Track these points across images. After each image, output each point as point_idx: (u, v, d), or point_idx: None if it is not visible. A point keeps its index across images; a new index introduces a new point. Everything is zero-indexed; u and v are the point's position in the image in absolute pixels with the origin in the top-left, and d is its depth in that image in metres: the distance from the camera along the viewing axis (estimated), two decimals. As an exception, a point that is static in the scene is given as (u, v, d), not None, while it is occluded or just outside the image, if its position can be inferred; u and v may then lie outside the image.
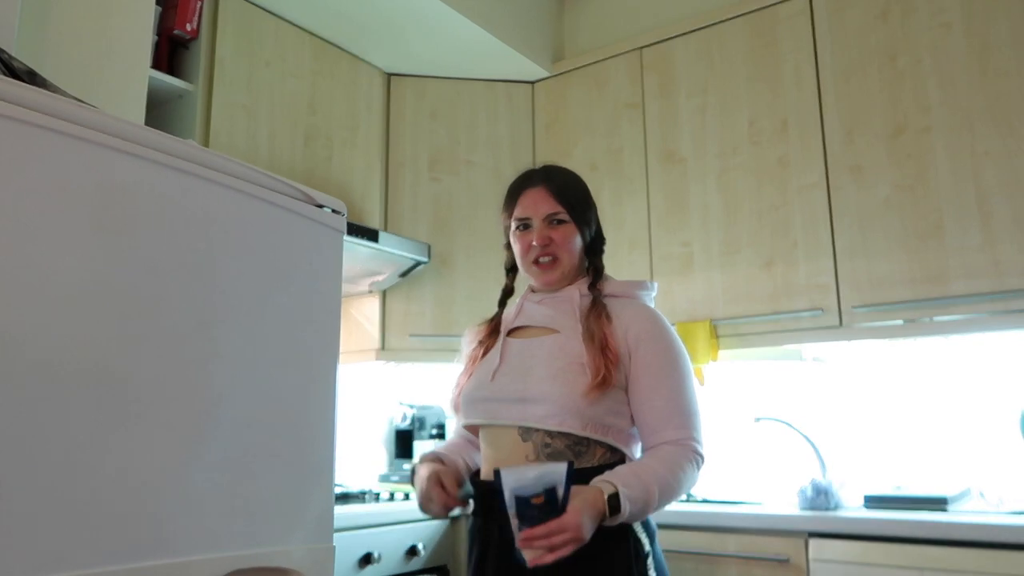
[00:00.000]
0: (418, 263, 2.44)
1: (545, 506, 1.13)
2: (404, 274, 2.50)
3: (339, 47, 2.51)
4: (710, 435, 1.41)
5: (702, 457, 1.34)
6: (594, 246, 1.50)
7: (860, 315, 2.02)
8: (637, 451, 1.38)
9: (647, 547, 1.31)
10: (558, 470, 1.16)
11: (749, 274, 2.22)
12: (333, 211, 1.09)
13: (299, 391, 1.02)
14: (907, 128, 2.02)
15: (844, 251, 2.07)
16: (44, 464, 0.77)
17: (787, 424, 2.27)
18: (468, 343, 1.57)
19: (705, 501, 2.12)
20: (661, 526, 1.89)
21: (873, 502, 1.84)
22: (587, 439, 1.32)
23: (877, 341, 2.05)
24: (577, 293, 1.44)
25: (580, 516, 1.14)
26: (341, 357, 2.67)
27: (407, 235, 2.51)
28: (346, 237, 2.13)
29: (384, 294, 2.58)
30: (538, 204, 1.45)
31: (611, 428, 1.34)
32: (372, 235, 2.26)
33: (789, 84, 2.23)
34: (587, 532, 1.15)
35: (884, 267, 2.00)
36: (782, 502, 2.02)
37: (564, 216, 1.44)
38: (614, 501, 1.19)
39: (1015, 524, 1.51)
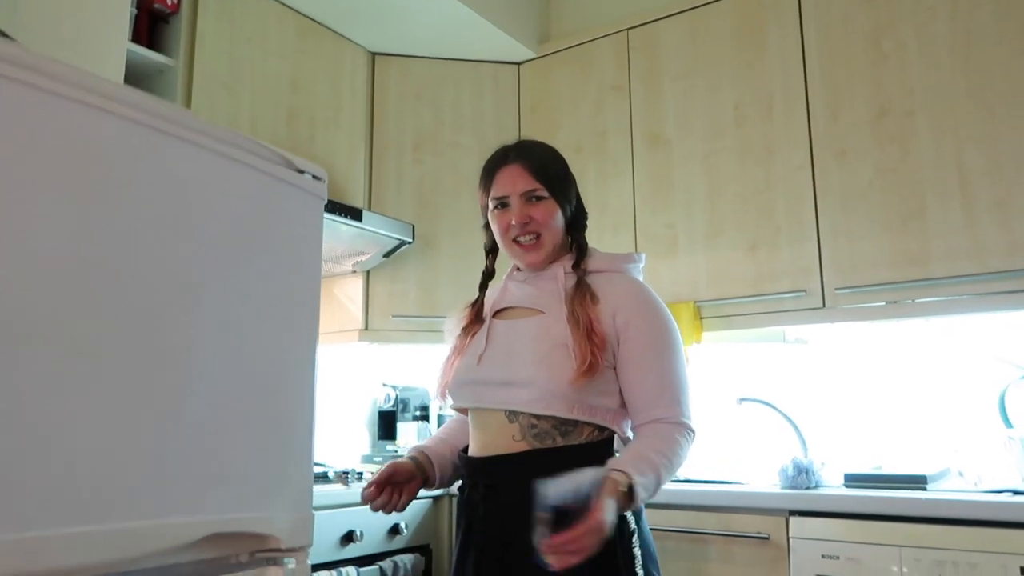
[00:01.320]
0: (402, 243, 2.43)
1: (575, 512, 1.11)
2: (388, 254, 2.48)
3: (323, 25, 2.48)
4: (696, 414, 1.39)
5: (693, 432, 1.34)
6: (576, 222, 1.47)
7: (843, 297, 2.03)
8: (626, 428, 1.37)
9: (632, 525, 1.30)
10: (593, 479, 1.15)
11: (733, 256, 2.22)
12: (314, 177, 1.07)
13: (278, 358, 1.01)
14: (891, 111, 2.03)
15: (827, 233, 2.08)
16: (17, 425, 0.75)
17: (769, 405, 2.28)
18: (451, 331, 1.54)
19: (688, 481, 2.13)
20: (647, 506, 1.90)
21: (853, 481, 1.85)
22: (575, 420, 1.31)
23: (859, 323, 2.06)
24: (561, 271, 1.42)
25: (603, 516, 1.11)
26: (323, 338, 2.65)
27: (391, 215, 2.50)
28: (330, 216, 2.13)
29: (368, 274, 2.56)
30: (515, 181, 1.41)
31: (598, 408, 1.33)
32: (356, 214, 2.24)
33: (774, 67, 2.23)
34: (610, 529, 1.13)
35: (867, 249, 2.01)
36: (764, 481, 2.04)
37: (543, 192, 1.41)
38: (630, 492, 1.18)
39: (992, 501, 1.53)
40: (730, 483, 2.05)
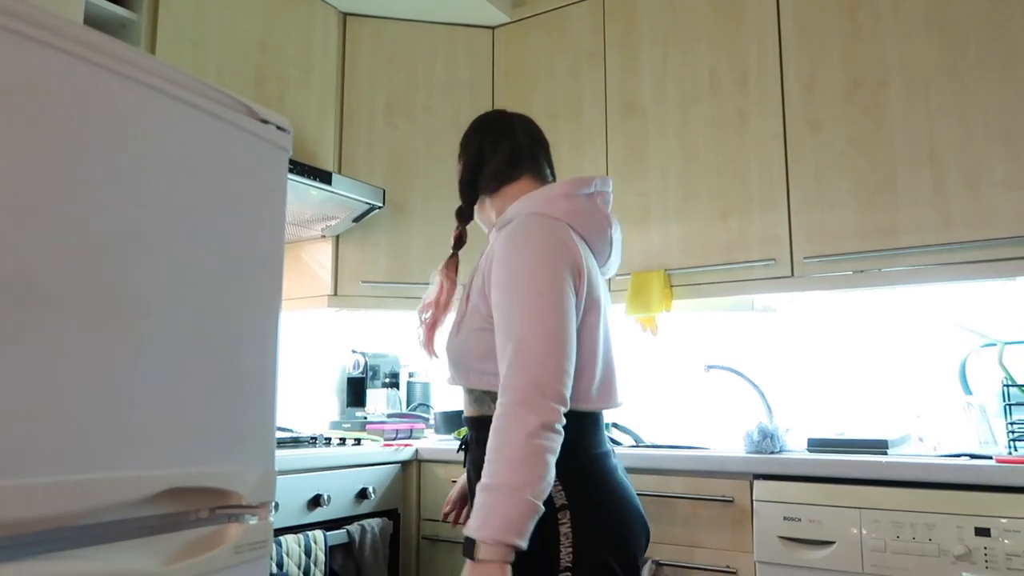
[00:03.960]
0: (372, 208, 2.40)
1: None
2: (358, 219, 2.45)
3: (293, -18, 2.42)
4: (621, 376, 1.31)
5: (539, 392, 1.13)
6: (479, 174, 1.43)
7: (811, 266, 2.05)
8: None
9: (560, 500, 1.20)
10: None
11: (705, 225, 2.23)
12: (278, 128, 1.04)
13: (240, 313, 0.99)
14: (865, 82, 2.04)
15: (799, 203, 2.09)
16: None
17: (736, 372, 2.31)
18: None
19: (655, 446, 2.15)
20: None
21: (816, 446, 1.88)
22: (482, 390, 1.29)
23: (827, 292, 2.09)
24: (493, 232, 1.40)
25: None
26: (292, 303, 2.62)
27: (362, 179, 2.46)
28: (299, 178, 2.09)
29: (337, 239, 2.53)
30: None
31: (493, 375, 1.26)
32: (325, 177, 2.20)
33: (750, 36, 2.22)
34: None
35: (837, 219, 2.03)
36: (730, 447, 2.06)
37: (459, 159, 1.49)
38: (468, 545, 1.06)
39: (949, 464, 1.56)
40: (697, 448, 2.07)
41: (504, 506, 1.03)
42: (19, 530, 0.71)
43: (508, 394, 1.11)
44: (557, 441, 1.11)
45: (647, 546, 1.34)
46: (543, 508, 1.08)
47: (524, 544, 1.04)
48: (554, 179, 1.50)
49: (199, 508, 0.92)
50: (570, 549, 1.16)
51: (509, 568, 1.03)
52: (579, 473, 1.23)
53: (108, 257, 0.85)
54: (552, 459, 1.10)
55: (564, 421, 1.13)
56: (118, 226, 0.86)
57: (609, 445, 1.36)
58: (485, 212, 1.47)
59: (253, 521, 0.98)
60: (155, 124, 0.90)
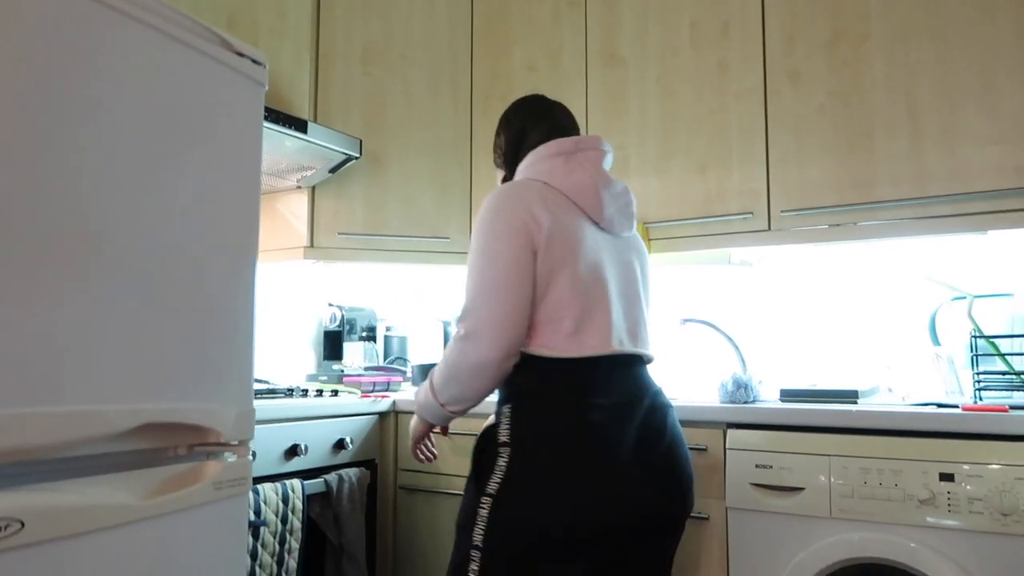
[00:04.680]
0: (349, 158, 2.36)
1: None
2: (334, 170, 2.42)
3: (265, -78, 2.34)
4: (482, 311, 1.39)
5: (464, 333, 1.36)
6: (507, 156, 1.62)
7: (788, 219, 2.06)
8: (533, 347, 1.37)
9: (504, 437, 1.33)
10: None
11: (684, 178, 2.23)
12: (253, 61, 1.01)
13: (216, 247, 0.97)
14: (846, 35, 2.03)
15: (777, 157, 2.10)
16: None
17: (711, 326, 2.33)
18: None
19: (630, 399, 2.18)
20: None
21: (788, 396, 1.92)
22: None
23: (803, 245, 2.11)
24: None
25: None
26: (267, 255, 2.59)
27: (338, 129, 2.42)
28: (273, 126, 2.05)
29: (313, 190, 2.50)
30: None
31: None
32: (301, 125, 2.16)
33: (732, -15, 2.20)
34: (412, 432, 1.59)
35: (815, 173, 2.04)
36: (704, 398, 2.09)
37: None
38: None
39: (915, 413, 1.60)
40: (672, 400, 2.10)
41: (425, 395, 1.46)
42: (-6, 462, 0.70)
43: (455, 333, 1.38)
44: (490, 374, 1.34)
45: (640, 516, 1.30)
46: (450, 415, 1.46)
47: (430, 420, 1.50)
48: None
49: (177, 445, 0.91)
50: (497, 483, 1.29)
51: (416, 418, 1.56)
52: (531, 418, 1.32)
53: (81, 190, 0.83)
54: (477, 384, 1.37)
55: (498, 359, 1.33)
56: (91, 159, 0.84)
57: (611, 398, 1.34)
58: None
59: (232, 459, 0.98)
60: (127, 51, 0.87)
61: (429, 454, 1.68)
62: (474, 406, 1.45)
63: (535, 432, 1.30)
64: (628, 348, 1.42)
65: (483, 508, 1.29)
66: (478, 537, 1.28)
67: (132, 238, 0.89)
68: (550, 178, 1.44)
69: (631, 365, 1.43)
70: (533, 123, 1.58)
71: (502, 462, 1.31)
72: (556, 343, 1.34)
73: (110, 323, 0.85)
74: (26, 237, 0.78)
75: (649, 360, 1.52)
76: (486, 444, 1.42)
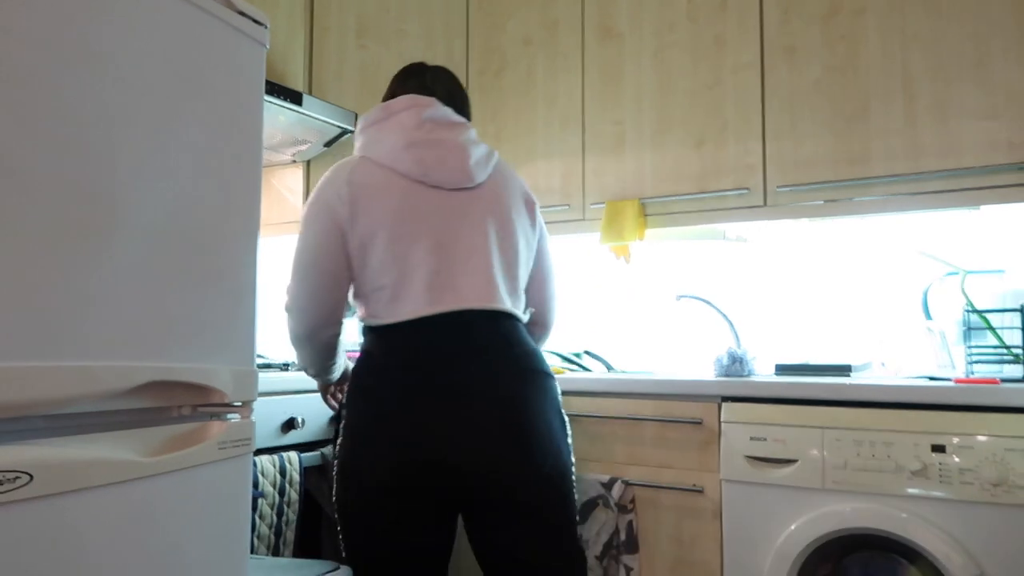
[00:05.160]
0: (344, 132, 2.35)
1: None
2: (329, 144, 2.40)
3: None
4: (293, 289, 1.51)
5: (285, 310, 1.50)
6: None
7: (783, 195, 2.07)
8: (366, 317, 1.48)
9: (344, 402, 1.47)
10: None
11: (679, 153, 2.23)
12: (255, 21, 1.00)
13: (219, 208, 0.97)
14: (842, 9, 2.03)
15: (773, 132, 2.10)
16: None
17: (706, 302, 2.35)
18: None
19: (625, 373, 2.19)
20: (583, 393, 1.95)
21: (783, 370, 1.93)
22: None
23: (798, 220, 2.11)
24: None
25: None
26: (263, 229, 2.57)
27: (333, 102, 2.40)
28: (268, 98, 2.03)
29: (308, 165, 2.48)
30: None
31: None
32: (296, 98, 2.14)
33: (730, -41, 2.19)
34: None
35: (810, 148, 2.04)
36: (700, 373, 2.11)
37: None
38: None
39: (907, 385, 1.62)
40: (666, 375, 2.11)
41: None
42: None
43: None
44: (307, 344, 1.49)
45: (413, 467, 1.35)
46: (314, 378, 1.64)
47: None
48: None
49: (181, 405, 0.91)
50: (337, 444, 1.46)
51: (318, 383, 1.70)
52: (354, 380, 1.43)
53: (83, 147, 0.82)
54: (302, 354, 1.53)
55: (308, 333, 1.47)
56: (88, 110, 0.83)
57: (423, 357, 1.36)
58: None
59: (235, 419, 0.98)
60: (127, 5, 0.86)
61: (335, 403, 1.76)
62: (325, 372, 1.60)
63: (352, 395, 1.42)
64: (452, 306, 1.38)
65: (334, 469, 1.45)
66: (334, 495, 1.45)
67: (137, 196, 0.88)
68: (367, 150, 1.48)
69: (457, 323, 1.38)
70: (395, 89, 1.61)
71: (341, 425, 1.45)
72: (379, 311, 1.41)
73: (115, 280, 0.85)
74: (32, 194, 0.78)
75: (496, 313, 1.43)
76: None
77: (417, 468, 1.33)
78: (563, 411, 1.50)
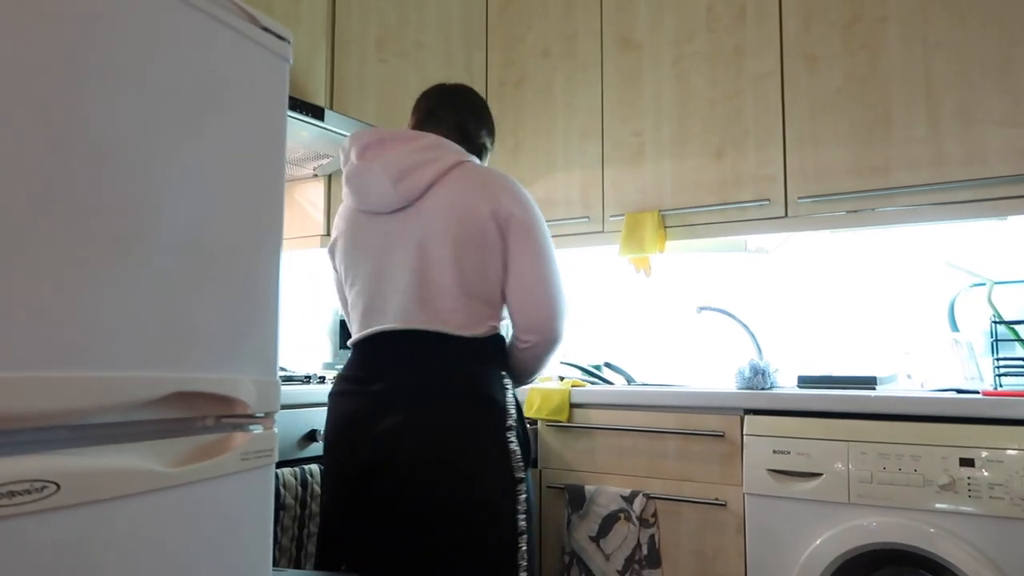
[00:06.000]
0: (365, 145, 2.36)
1: None
2: (350, 157, 2.42)
3: (280, -91, 2.35)
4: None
5: None
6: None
7: (805, 206, 2.05)
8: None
9: None
10: None
11: (699, 164, 2.22)
12: (278, 37, 1.02)
13: (241, 217, 0.98)
14: (863, 17, 2.01)
15: (793, 141, 2.08)
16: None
17: (727, 314, 2.33)
18: None
19: (645, 385, 2.18)
20: (603, 406, 1.94)
21: (806, 382, 1.91)
22: None
23: (820, 232, 2.09)
24: None
25: None
26: (285, 243, 2.58)
27: (354, 116, 2.42)
28: (291, 114, 2.05)
29: (329, 179, 2.50)
30: None
31: None
32: (318, 113, 2.16)
33: (750, -31, 2.18)
34: None
35: (831, 158, 2.02)
36: (722, 385, 2.09)
37: None
38: None
39: (934, 398, 1.59)
40: (688, 387, 2.09)
41: None
42: (24, 424, 0.71)
43: None
44: None
45: (350, 464, 1.47)
46: None
47: None
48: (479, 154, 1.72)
49: (205, 416, 0.92)
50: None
51: None
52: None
53: (106, 152, 0.83)
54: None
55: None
56: (118, 123, 0.84)
57: (362, 371, 1.50)
58: None
59: (258, 431, 0.99)
60: (154, 21, 0.87)
61: None
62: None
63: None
64: (377, 327, 1.50)
65: None
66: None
67: (163, 209, 0.89)
68: (345, 181, 1.58)
69: (385, 342, 1.49)
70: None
71: None
72: (353, 331, 1.59)
73: (142, 293, 0.86)
74: (61, 206, 0.79)
75: (409, 333, 1.46)
76: None
77: (347, 475, 1.48)
78: (497, 429, 1.44)
